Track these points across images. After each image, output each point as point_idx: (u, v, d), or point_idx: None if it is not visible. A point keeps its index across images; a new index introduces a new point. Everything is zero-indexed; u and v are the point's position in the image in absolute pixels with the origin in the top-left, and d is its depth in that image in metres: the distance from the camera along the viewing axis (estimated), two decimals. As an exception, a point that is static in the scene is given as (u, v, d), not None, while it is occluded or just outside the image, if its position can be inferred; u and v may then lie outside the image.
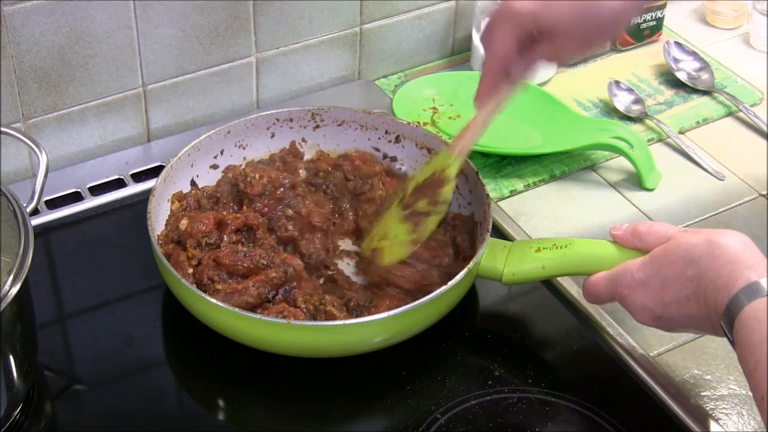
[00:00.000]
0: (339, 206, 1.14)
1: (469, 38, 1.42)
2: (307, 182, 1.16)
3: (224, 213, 1.09)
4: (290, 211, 1.10)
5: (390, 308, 0.99)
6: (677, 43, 1.45)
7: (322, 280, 1.07)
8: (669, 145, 1.33)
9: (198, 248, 1.04)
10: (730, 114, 1.38)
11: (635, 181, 1.26)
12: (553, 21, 0.94)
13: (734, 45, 1.51)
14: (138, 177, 1.24)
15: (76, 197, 1.21)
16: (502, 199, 1.23)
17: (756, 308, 0.82)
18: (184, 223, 1.07)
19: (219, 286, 1.01)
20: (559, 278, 1.10)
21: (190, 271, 1.03)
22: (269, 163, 1.19)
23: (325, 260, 1.08)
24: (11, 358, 0.92)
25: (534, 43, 0.96)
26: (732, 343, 0.84)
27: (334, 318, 1.00)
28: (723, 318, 0.84)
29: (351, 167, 1.18)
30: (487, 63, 0.99)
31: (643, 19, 1.46)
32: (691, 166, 1.30)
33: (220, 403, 1.02)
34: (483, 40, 1.00)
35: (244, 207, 1.11)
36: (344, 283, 1.07)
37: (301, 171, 1.18)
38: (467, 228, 1.12)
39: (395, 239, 1.06)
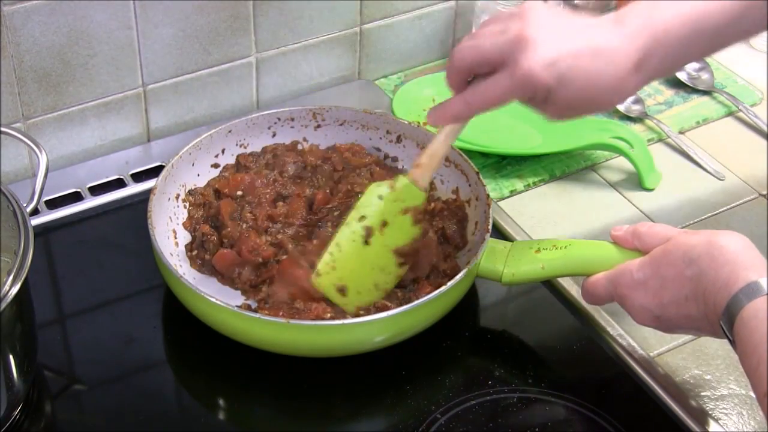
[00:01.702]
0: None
1: (469, 38, 1.42)
2: (296, 176, 1.16)
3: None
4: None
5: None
6: (677, 43, 1.45)
7: None
8: (669, 145, 1.33)
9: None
10: (730, 114, 1.38)
11: (635, 181, 1.26)
12: (566, 98, 0.90)
13: (734, 45, 1.51)
14: (138, 177, 1.24)
15: (76, 197, 1.21)
16: (502, 199, 1.23)
17: (756, 307, 0.82)
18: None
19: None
20: (559, 278, 1.10)
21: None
22: (261, 155, 1.19)
23: None
24: (11, 358, 0.92)
25: (528, 99, 0.91)
26: (732, 343, 0.84)
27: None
28: (722, 318, 0.84)
29: (340, 159, 1.18)
30: (471, 99, 0.94)
31: (643, 19, 1.46)
32: (691, 166, 1.30)
33: (221, 402, 1.03)
34: (477, 72, 0.93)
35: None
36: None
37: (289, 166, 1.17)
38: (457, 218, 1.12)
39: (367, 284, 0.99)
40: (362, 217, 0.98)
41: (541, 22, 0.90)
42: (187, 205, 1.14)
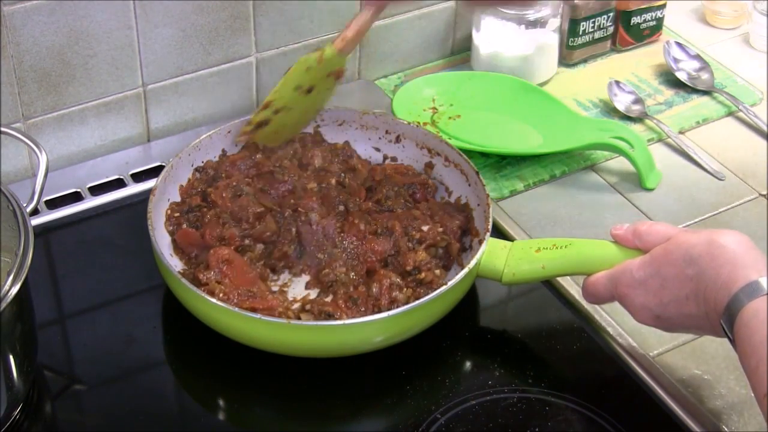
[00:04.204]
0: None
1: (469, 38, 1.42)
2: (321, 168, 1.16)
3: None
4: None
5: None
6: (677, 43, 1.45)
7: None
8: (669, 145, 1.33)
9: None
10: (730, 114, 1.38)
11: (635, 181, 1.26)
12: None
13: (734, 45, 1.51)
14: (138, 177, 1.24)
15: (76, 197, 1.21)
16: (502, 199, 1.23)
17: (756, 307, 0.82)
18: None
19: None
20: (559, 278, 1.10)
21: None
22: (289, 142, 1.18)
23: None
24: (11, 358, 0.92)
25: None
26: (732, 342, 0.84)
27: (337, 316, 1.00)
28: (723, 317, 0.84)
29: (382, 175, 1.16)
30: None
31: (643, 19, 1.46)
32: (691, 166, 1.30)
33: (220, 403, 1.02)
34: None
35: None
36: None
37: (316, 159, 1.17)
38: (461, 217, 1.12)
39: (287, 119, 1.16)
40: (297, 87, 1.13)
41: None
42: (193, 177, 1.15)
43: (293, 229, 1.08)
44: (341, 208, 1.11)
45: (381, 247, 1.06)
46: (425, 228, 1.08)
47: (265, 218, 1.08)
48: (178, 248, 1.09)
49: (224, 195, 1.10)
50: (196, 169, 1.15)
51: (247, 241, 1.07)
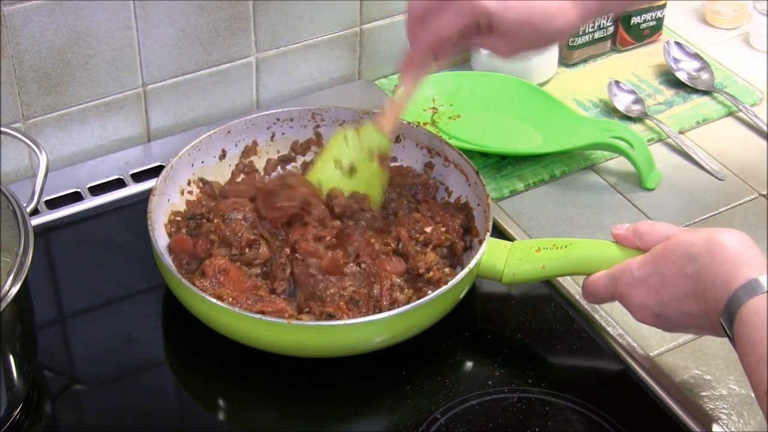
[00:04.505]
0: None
1: (469, 38, 1.42)
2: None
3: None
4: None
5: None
6: (677, 43, 1.45)
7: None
8: (669, 145, 1.33)
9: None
10: (730, 114, 1.38)
11: (635, 181, 1.26)
12: (506, 22, 0.97)
13: (734, 45, 1.51)
14: (138, 177, 1.24)
15: (76, 197, 1.21)
16: (502, 199, 1.23)
17: (756, 305, 0.82)
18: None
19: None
20: (559, 278, 1.10)
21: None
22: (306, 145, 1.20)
23: None
24: (11, 358, 0.92)
25: (475, 33, 0.99)
26: (732, 340, 0.84)
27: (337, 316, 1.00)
28: (722, 315, 0.84)
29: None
30: (424, 39, 1.02)
31: (643, 19, 1.46)
32: (691, 166, 1.30)
33: (220, 402, 1.02)
34: (428, 15, 1.00)
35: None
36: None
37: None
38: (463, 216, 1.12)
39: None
40: (336, 162, 1.10)
41: None
42: (197, 190, 1.14)
43: (287, 270, 1.05)
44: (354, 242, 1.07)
45: (393, 268, 1.05)
46: (428, 229, 1.08)
47: (257, 245, 1.06)
48: (173, 252, 1.08)
49: (216, 220, 1.07)
50: (201, 179, 1.15)
51: (237, 264, 1.05)
